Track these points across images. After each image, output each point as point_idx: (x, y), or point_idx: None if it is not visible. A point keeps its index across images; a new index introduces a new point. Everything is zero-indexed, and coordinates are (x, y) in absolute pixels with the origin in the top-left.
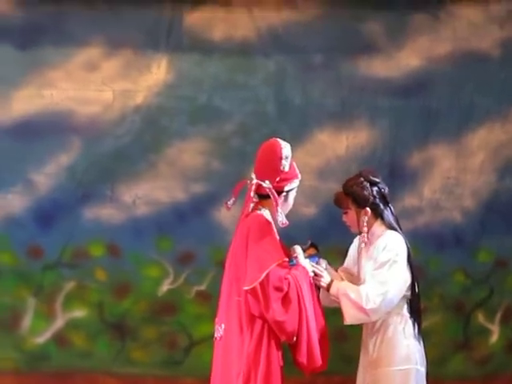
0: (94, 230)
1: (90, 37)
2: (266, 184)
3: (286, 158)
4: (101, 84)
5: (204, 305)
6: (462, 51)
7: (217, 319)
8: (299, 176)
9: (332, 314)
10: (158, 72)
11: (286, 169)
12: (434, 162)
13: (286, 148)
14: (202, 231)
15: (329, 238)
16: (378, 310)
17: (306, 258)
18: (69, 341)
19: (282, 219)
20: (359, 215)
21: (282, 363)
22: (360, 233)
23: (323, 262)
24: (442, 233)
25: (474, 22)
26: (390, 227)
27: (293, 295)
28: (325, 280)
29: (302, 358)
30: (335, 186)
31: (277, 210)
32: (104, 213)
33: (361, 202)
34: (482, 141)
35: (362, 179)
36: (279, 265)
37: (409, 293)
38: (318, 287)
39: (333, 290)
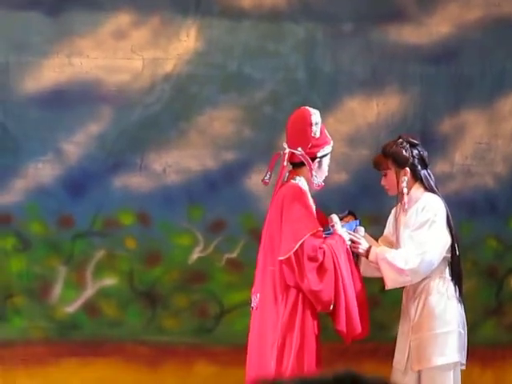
0: (124, 198)
1: (119, 5)
2: (299, 151)
3: (316, 124)
4: (130, 52)
5: (235, 273)
6: (492, 17)
7: (253, 289)
8: (331, 142)
9: (365, 281)
10: (187, 40)
11: (317, 135)
12: (465, 128)
13: (315, 115)
14: (233, 199)
15: (360, 204)
16: (417, 270)
17: (343, 225)
18: (99, 310)
19: (317, 182)
20: (399, 175)
21: (317, 332)
22: (398, 195)
23: (361, 230)
24: (474, 199)
25: None
26: (429, 189)
27: (328, 264)
28: (363, 247)
29: (342, 327)
30: (366, 153)
31: (312, 175)
32: (134, 181)
33: (400, 162)
34: None
35: (401, 140)
36: (313, 234)
37: (449, 255)
38: (357, 257)
39: (371, 256)
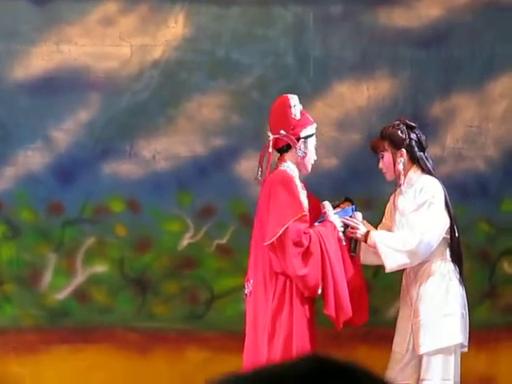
0: (114, 185)
1: None
2: (282, 133)
3: (295, 106)
4: (118, 39)
5: (225, 258)
6: (482, 0)
7: (247, 276)
8: (314, 124)
9: None
10: (175, 26)
11: (298, 116)
12: (455, 111)
13: (292, 98)
14: (223, 185)
15: (350, 189)
16: (416, 252)
17: (338, 212)
18: (89, 296)
19: (301, 154)
20: (395, 157)
21: (309, 316)
22: (396, 180)
23: (359, 215)
24: (466, 182)
25: None
26: (427, 172)
27: (314, 249)
28: (361, 231)
29: (330, 311)
30: (356, 138)
31: (297, 153)
32: (123, 168)
33: (397, 143)
34: (505, 89)
35: (398, 122)
36: (299, 219)
37: (448, 236)
38: (355, 243)
39: (370, 240)
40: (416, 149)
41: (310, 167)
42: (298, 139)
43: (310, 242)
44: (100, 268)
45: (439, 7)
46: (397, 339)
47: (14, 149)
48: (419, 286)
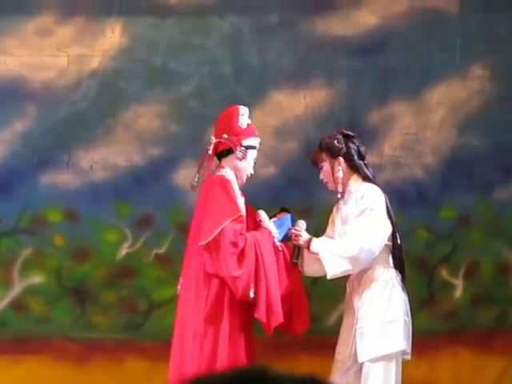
0: (52, 196)
1: (42, 3)
2: (224, 137)
3: (243, 115)
4: (55, 49)
5: (163, 268)
6: (419, 8)
7: (180, 279)
8: (258, 138)
9: None
10: (112, 36)
11: (244, 125)
12: (393, 119)
13: (242, 109)
14: (161, 194)
15: (289, 197)
16: (358, 258)
17: (275, 221)
18: (27, 307)
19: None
20: (333, 166)
21: (245, 323)
22: (337, 189)
23: (302, 223)
24: (404, 190)
25: None
26: (367, 179)
27: (249, 252)
28: (303, 238)
29: (260, 316)
30: (294, 146)
31: (236, 155)
32: (61, 179)
33: (334, 152)
34: (442, 97)
35: (336, 132)
36: (235, 220)
37: (390, 243)
38: (298, 251)
39: (313, 246)
40: (355, 157)
41: (245, 178)
42: (240, 146)
43: (245, 245)
44: (37, 278)
45: (376, 16)
46: (339, 348)
47: None
48: (362, 292)
